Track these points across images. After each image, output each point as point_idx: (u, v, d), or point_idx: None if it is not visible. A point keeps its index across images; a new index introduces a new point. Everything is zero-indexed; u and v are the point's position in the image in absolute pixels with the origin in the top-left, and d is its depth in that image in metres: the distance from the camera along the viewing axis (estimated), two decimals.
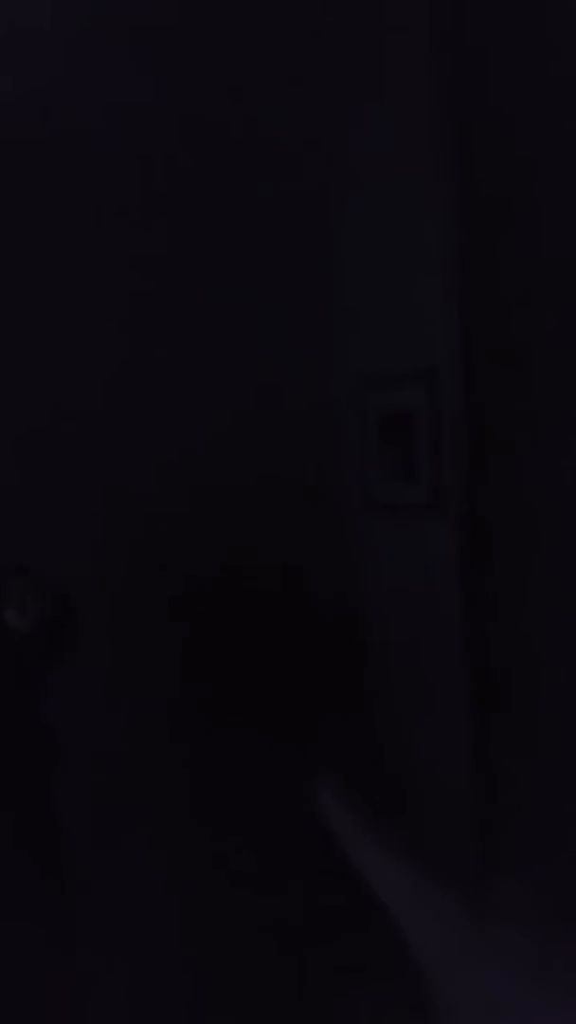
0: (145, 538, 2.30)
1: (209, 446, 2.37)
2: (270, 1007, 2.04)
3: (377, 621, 2.40)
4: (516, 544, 2.09)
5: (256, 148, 2.41)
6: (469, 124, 2.11)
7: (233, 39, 2.25)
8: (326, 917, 2.10)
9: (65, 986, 1.76)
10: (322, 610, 2.43)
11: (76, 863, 1.85)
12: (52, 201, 2.25)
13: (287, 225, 2.49)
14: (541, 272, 2.01)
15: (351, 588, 2.48)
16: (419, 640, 2.26)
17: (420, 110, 2.21)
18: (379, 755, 2.35)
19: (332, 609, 2.45)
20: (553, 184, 2.00)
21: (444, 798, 2.14)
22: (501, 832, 1.94)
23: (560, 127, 1.98)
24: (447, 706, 2.18)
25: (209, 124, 2.35)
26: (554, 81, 1.93)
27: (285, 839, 2.12)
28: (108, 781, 2.15)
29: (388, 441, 2.32)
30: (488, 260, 2.09)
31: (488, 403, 2.11)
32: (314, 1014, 2.04)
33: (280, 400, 2.47)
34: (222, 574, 2.37)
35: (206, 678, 2.33)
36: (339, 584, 2.48)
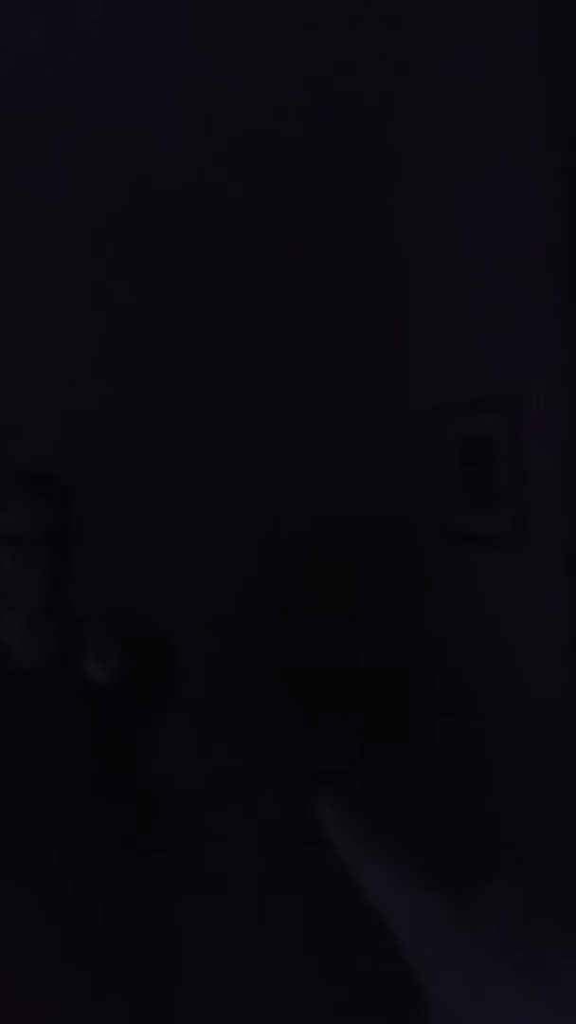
0: (228, 570, 2.30)
1: (278, 476, 2.33)
2: (270, 1011, 2.08)
3: (462, 651, 2.32)
4: None
5: (325, 143, 2.33)
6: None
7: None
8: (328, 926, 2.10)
9: None
10: (405, 642, 2.36)
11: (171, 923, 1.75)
12: (117, 196, 2.25)
13: (358, 230, 2.41)
14: None
15: (431, 618, 2.40)
16: (508, 669, 2.16)
17: (513, 97, 2.03)
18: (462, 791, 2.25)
19: (415, 641, 2.37)
20: None
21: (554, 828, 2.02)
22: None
23: None
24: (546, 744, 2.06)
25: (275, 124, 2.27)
26: None
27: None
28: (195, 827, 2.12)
29: (468, 469, 2.23)
30: None
31: None
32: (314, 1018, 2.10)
33: (352, 427, 2.41)
34: (299, 604, 2.33)
35: (286, 715, 2.29)
36: (419, 613, 2.40)
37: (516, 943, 1.15)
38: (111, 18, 1.91)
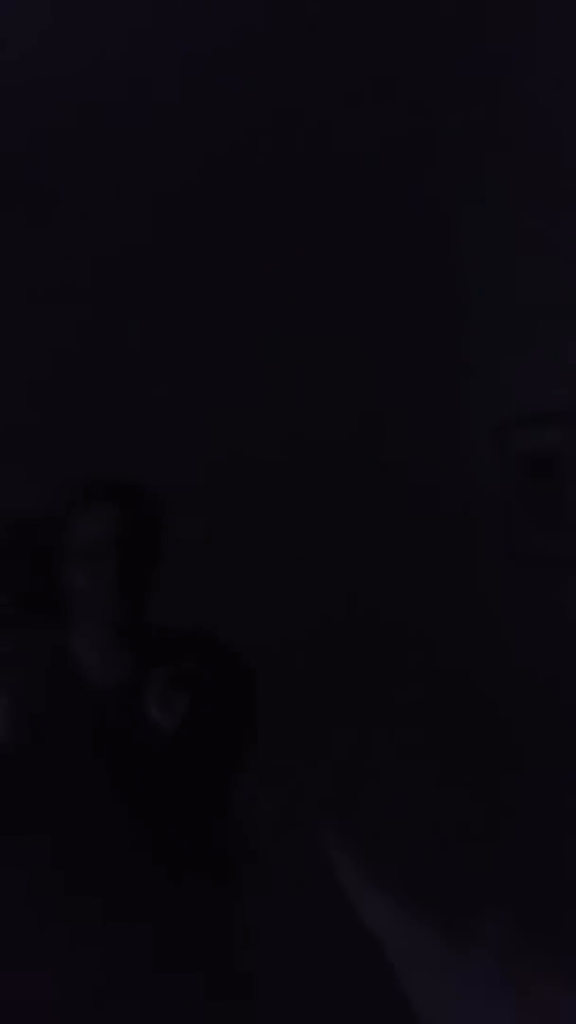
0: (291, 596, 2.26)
1: (334, 497, 2.30)
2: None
3: (522, 679, 2.24)
4: None
5: (381, 152, 2.27)
6: None
7: None
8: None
9: None
10: (466, 666, 2.30)
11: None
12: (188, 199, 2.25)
13: (412, 233, 2.36)
14: None
15: (495, 645, 2.30)
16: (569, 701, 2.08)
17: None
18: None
19: (477, 665, 2.31)
20: None
21: None
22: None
23: None
24: None
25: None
26: None
27: None
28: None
29: (531, 487, 2.14)
30: None
31: None
32: None
33: (412, 444, 2.35)
34: (359, 630, 2.27)
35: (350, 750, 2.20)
36: (483, 641, 2.31)
37: (508, 967, 1.16)
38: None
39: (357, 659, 2.27)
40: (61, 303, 2.22)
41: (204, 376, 2.28)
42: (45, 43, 1.94)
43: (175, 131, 2.20)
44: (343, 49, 2.04)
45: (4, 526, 1.51)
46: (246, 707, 1.48)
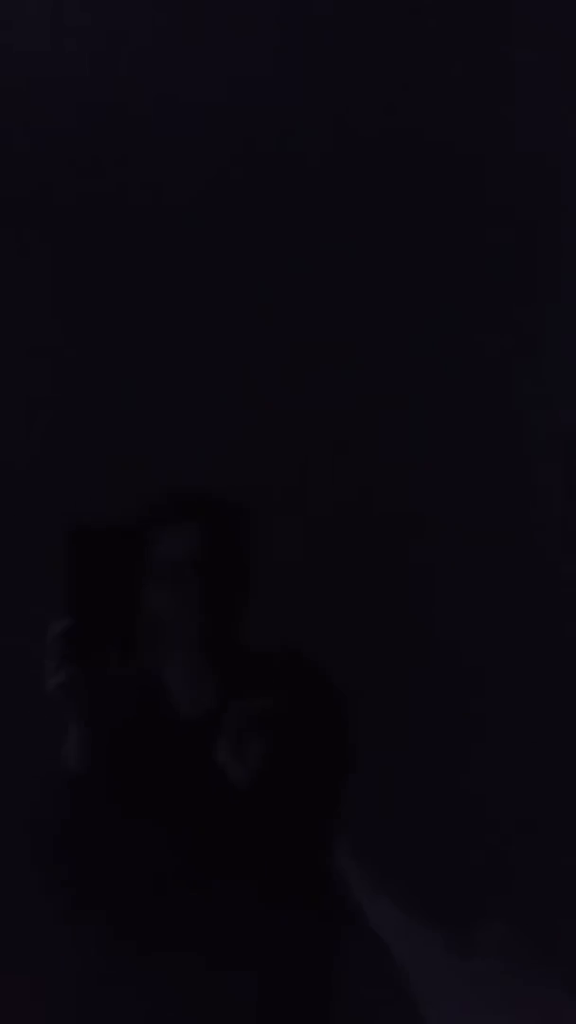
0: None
1: (405, 515, 2.22)
2: None
3: None
4: None
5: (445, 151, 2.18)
6: None
7: None
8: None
9: None
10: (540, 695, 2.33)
11: None
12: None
13: (486, 243, 2.28)
14: None
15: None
16: None
17: None
18: None
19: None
20: None
21: None
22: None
23: None
24: None
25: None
26: None
27: None
28: None
29: None
30: None
31: None
32: None
33: (481, 461, 2.29)
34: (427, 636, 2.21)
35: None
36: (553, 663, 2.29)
37: (511, 975, 1.22)
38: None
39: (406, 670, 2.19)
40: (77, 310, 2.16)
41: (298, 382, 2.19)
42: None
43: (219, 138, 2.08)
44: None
45: (74, 539, 1.34)
46: (342, 748, 1.40)
